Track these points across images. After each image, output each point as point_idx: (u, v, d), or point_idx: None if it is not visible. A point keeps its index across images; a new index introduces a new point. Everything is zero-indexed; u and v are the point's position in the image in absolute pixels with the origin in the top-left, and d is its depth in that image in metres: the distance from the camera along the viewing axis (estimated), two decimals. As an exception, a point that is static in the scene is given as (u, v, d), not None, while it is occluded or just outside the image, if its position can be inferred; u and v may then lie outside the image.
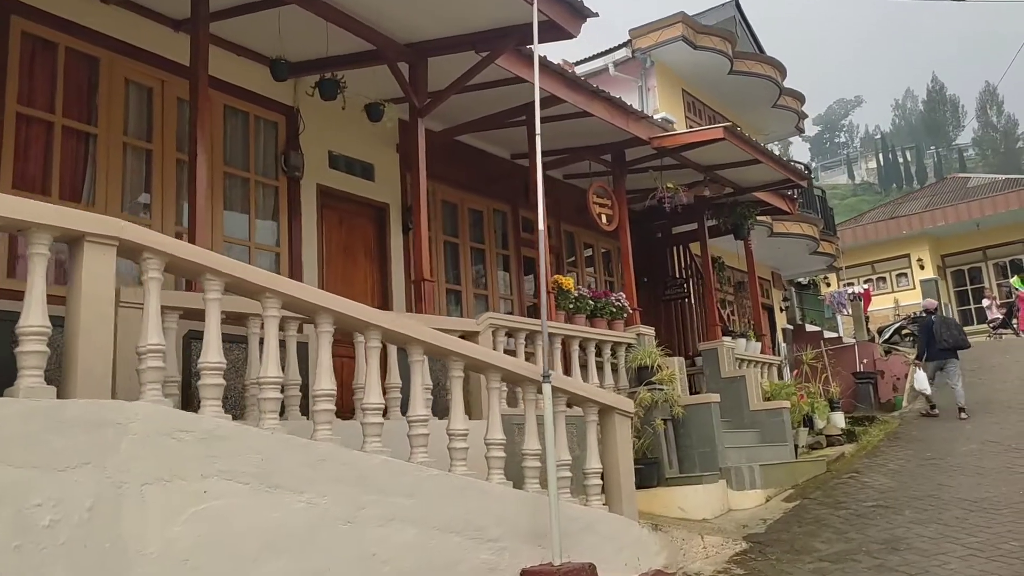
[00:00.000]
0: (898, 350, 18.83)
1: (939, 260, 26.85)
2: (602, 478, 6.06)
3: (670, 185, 9.54)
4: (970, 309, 26.04)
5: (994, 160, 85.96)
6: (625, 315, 9.34)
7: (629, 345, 9.33)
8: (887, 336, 21.02)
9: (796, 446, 10.93)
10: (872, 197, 78.35)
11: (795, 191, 12.51)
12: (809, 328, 19.80)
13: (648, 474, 8.35)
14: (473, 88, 8.57)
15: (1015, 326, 21.90)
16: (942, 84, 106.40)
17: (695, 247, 14.23)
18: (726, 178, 10.80)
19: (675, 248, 13.93)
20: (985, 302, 23.37)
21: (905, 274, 26.46)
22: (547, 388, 5.48)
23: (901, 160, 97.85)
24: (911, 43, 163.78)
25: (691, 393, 11.81)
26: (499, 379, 5.58)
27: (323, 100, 7.64)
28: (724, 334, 11.55)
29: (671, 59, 15.19)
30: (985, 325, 22.75)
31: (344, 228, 8.98)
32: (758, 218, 14.03)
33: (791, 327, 18.79)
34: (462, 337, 7.42)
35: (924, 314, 14.81)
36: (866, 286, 22.09)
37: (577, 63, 15.29)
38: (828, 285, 24.65)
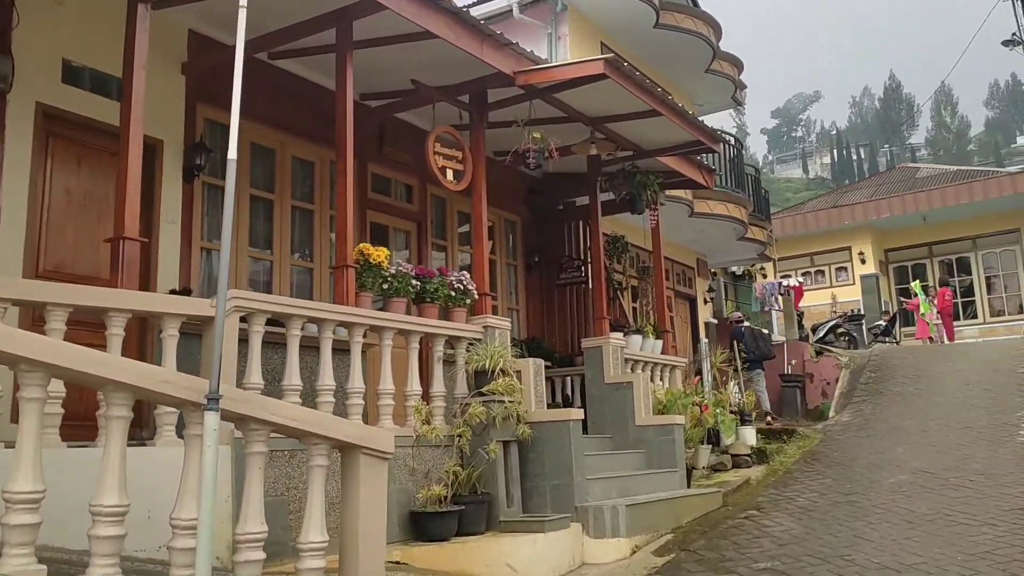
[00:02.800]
0: (831, 351, 17.04)
1: (882, 254, 25.14)
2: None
3: (536, 135, 7.37)
4: (912, 309, 24.45)
5: (946, 160, 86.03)
6: (469, 301, 7.16)
7: (473, 341, 7.16)
8: (821, 335, 19.25)
9: (691, 470, 8.93)
10: (825, 191, 77.68)
11: (705, 158, 10.40)
12: (737, 323, 17.89)
13: (475, 516, 6.23)
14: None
15: (894, 334, 20.33)
16: (899, 82, 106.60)
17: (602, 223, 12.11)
18: (620, 135, 8.65)
19: (576, 224, 11.80)
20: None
21: (845, 268, 24.67)
22: (210, 419, 3.30)
23: (855, 156, 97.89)
24: (872, 40, 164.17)
25: (581, 404, 9.80)
26: (125, 402, 3.35)
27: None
28: (614, 329, 9.46)
29: (587, 3, 12.98)
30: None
31: (85, 170, 6.62)
32: (671, 193, 11.99)
33: (715, 321, 16.86)
34: (187, 323, 5.24)
35: (735, 324, 14.83)
36: (801, 279, 20.25)
37: (474, 3, 13.00)
38: (764, 276, 22.81)
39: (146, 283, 6.87)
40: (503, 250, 11.20)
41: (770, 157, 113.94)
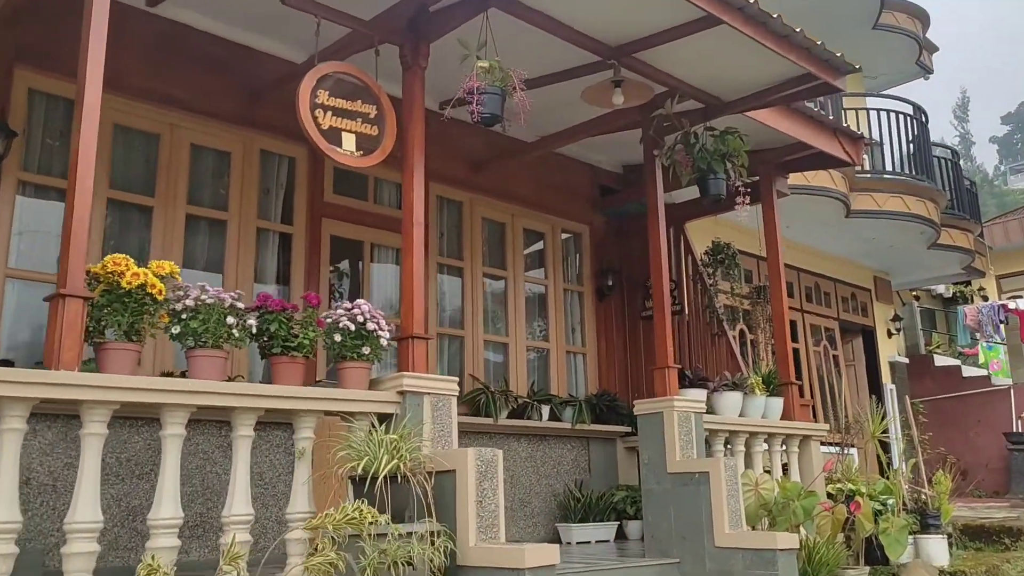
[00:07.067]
0: (1083, 399, 12.20)
1: None
2: None
3: (484, 64, 4.30)
4: None
5: None
6: (368, 351, 4.19)
7: (381, 419, 4.19)
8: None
9: (820, 623, 5.33)
10: (1072, 198, 66.56)
11: (852, 126, 6.76)
12: (940, 361, 13.44)
13: None
14: None
15: None
16: None
17: (699, 227, 8.74)
18: (670, 75, 5.36)
19: (669, 231, 8.44)
20: None
21: (1102, 285, 18.90)
22: None
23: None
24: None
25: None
26: None
27: None
28: (690, 383, 6.07)
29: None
30: None
31: None
32: (811, 181, 8.44)
33: (906, 361, 12.57)
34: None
35: None
36: (1031, 301, 15.08)
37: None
38: (985, 298, 17.74)
39: None
40: (558, 272, 8.12)
41: (1002, 168, 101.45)
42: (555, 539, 7.11)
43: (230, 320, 3.73)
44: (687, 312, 8.09)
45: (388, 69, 4.95)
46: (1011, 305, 14.37)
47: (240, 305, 3.85)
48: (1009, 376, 13.49)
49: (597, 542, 7.02)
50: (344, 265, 6.76)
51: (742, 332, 9.40)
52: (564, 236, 8.32)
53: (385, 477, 3.71)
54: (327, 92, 4.48)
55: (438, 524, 3.82)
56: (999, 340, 13.20)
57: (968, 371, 13.20)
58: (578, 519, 7.10)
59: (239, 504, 3.70)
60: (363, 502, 3.51)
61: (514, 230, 7.84)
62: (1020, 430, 11.67)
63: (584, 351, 8.17)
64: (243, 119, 6.09)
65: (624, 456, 7.88)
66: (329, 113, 4.47)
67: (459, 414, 6.73)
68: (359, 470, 3.69)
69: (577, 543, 6.91)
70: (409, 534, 3.58)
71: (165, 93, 5.73)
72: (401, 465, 3.73)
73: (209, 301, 3.70)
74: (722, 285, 8.24)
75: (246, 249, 5.99)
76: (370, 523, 3.37)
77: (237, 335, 3.80)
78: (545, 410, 7.29)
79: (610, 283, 8.29)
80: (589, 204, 8.47)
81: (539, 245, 8.14)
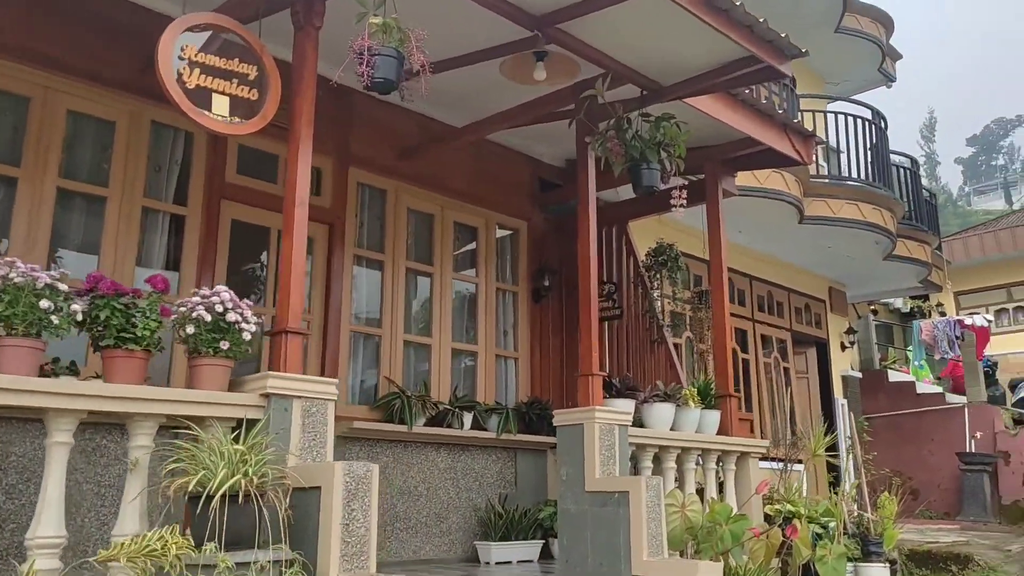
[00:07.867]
0: (1036, 419, 11.93)
1: (1111, 286, 19.05)
2: None
3: (376, 20, 3.74)
4: None
5: None
6: (227, 346, 3.61)
7: (239, 425, 3.61)
8: (1021, 395, 13.91)
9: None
10: (1030, 218, 67.40)
11: (801, 123, 6.28)
12: (894, 377, 13.09)
13: None
14: None
15: None
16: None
17: (644, 227, 8.26)
18: (604, 53, 4.84)
19: (611, 230, 7.97)
20: None
21: (1058, 303, 18.82)
22: None
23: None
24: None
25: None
26: None
27: None
28: (617, 392, 5.56)
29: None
30: None
31: None
32: (761, 183, 8.01)
33: (859, 375, 12.19)
34: None
35: None
36: (990, 318, 14.77)
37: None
38: (943, 313, 17.52)
39: None
40: (491, 270, 7.57)
41: (966, 188, 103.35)
42: (473, 558, 6.56)
43: (44, 304, 3.13)
44: (626, 317, 7.59)
45: (285, 37, 4.38)
46: (967, 321, 14.10)
47: (62, 287, 3.25)
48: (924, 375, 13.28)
49: (519, 562, 6.48)
50: (247, 253, 6.16)
51: (689, 340, 8.93)
52: (500, 232, 7.79)
53: (224, 496, 3.12)
54: (196, 46, 3.89)
55: (292, 552, 3.25)
56: (954, 356, 12.92)
57: (922, 387, 12.89)
58: (499, 537, 6.54)
59: (48, 524, 3.10)
60: (171, 528, 2.93)
61: (444, 223, 7.28)
62: (973, 450, 11.36)
63: (516, 356, 7.63)
64: (132, 86, 5.44)
65: (555, 469, 7.31)
66: (197, 71, 3.88)
67: (371, 420, 6.27)
68: (191, 487, 3.10)
69: (497, 563, 6.36)
70: (244, 564, 3.00)
71: (41, 52, 5.09)
72: (244, 481, 3.15)
73: (18, 280, 3.10)
74: (668, 291, 7.74)
75: (128, 230, 5.36)
76: (176, 554, 2.79)
77: (56, 322, 3.20)
78: (468, 418, 6.74)
79: (547, 284, 7.75)
80: (528, 199, 7.93)
81: (472, 245, 7.59)
